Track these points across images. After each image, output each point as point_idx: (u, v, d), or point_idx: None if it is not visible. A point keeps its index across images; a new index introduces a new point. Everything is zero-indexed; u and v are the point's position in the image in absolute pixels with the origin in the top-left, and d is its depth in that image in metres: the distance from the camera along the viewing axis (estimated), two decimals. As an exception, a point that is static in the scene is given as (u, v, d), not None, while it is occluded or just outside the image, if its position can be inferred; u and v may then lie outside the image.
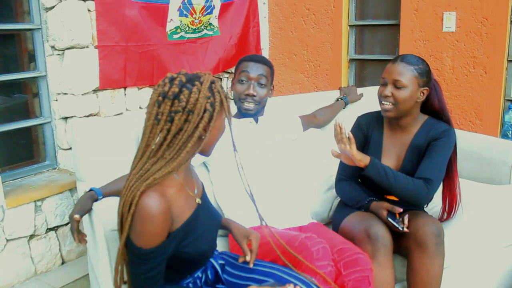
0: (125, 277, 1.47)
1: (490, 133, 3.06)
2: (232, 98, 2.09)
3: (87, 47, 2.51)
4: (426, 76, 1.91)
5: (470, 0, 3.04)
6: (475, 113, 3.16)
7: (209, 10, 3.19)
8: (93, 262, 1.97)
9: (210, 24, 3.24)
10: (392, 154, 2.02)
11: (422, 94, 1.91)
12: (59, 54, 2.51)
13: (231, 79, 2.30)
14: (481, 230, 2.14)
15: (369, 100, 2.65)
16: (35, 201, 2.32)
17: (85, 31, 2.48)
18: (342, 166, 2.13)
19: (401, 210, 1.84)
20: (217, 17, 3.28)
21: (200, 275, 1.55)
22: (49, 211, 2.39)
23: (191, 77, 1.34)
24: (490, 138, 2.77)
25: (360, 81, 3.70)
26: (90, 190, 1.69)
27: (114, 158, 2.16)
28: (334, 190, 2.28)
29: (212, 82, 1.33)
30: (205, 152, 1.39)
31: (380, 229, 1.77)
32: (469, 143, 2.63)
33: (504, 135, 3.12)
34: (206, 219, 1.46)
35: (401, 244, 1.84)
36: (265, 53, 3.88)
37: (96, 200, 1.68)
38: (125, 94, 2.74)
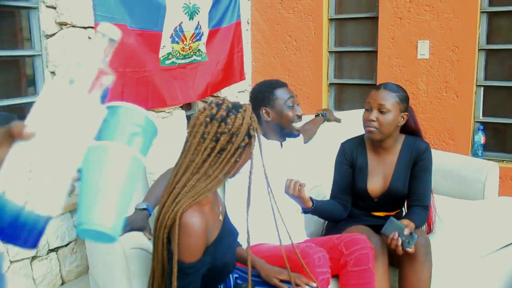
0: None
1: (462, 152, 3.29)
2: None
3: (86, 73, 2.61)
4: (406, 102, 2.12)
5: (442, 30, 3.30)
6: (448, 134, 3.40)
7: (198, 37, 3.34)
8: (104, 281, 2.04)
9: (199, 50, 3.39)
10: (378, 175, 2.20)
11: (402, 119, 2.11)
12: (58, 80, 2.60)
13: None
14: (459, 242, 2.33)
15: (349, 123, 2.84)
16: (37, 222, 2.38)
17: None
18: (332, 185, 2.29)
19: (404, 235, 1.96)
20: (205, 44, 3.43)
21: (221, 288, 1.67)
22: (51, 232, 2.45)
23: (235, 104, 1.48)
24: (464, 157, 3.00)
25: (339, 104, 3.91)
26: (144, 209, 1.81)
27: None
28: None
29: (251, 112, 1.48)
30: (233, 175, 1.53)
31: (378, 239, 1.94)
32: (445, 162, 2.85)
33: (475, 154, 3.37)
34: (228, 235, 1.58)
35: (392, 255, 2.00)
36: (248, 77, 4.04)
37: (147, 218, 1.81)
38: (121, 118, 2.84)
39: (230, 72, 3.72)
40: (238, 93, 3.96)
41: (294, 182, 1.92)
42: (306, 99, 3.92)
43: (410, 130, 2.19)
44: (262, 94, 2.24)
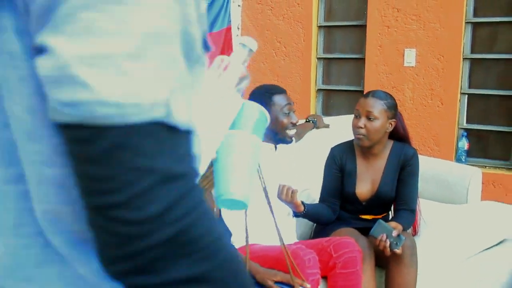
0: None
1: (446, 158, 3.38)
2: None
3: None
4: (394, 109, 2.18)
5: (428, 39, 3.40)
6: (433, 140, 3.49)
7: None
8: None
9: (190, 54, 3.43)
10: (367, 179, 2.26)
11: (390, 125, 2.18)
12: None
13: None
14: (443, 245, 2.41)
15: (337, 128, 2.91)
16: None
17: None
18: (321, 189, 2.35)
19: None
20: (196, 48, 3.47)
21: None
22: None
23: None
24: (448, 163, 3.08)
25: (327, 109, 3.98)
26: None
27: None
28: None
29: None
30: None
31: (365, 241, 2.00)
32: (430, 168, 2.92)
33: (458, 160, 3.46)
34: None
35: (379, 257, 2.06)
36: (238, 81, 4.10)
37: None
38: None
39: (221, 76, 3.76)
40: (227, 97, 4.00)
41: (286, 188, 1.97)
42: (294, 105, 3.98)
43: (398, 136, 2.26)
44: (260, 98, 2.29)
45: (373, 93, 2.17)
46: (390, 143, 2.26)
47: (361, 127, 2.12)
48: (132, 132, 0.42)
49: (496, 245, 2.65)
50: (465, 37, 3.39)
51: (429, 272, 2.24)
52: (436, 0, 3.34)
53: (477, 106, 3.51)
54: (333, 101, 3.97)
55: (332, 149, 2.33)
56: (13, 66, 0.46)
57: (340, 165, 2.27)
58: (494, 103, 3.49)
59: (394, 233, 1.93)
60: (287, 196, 1.96)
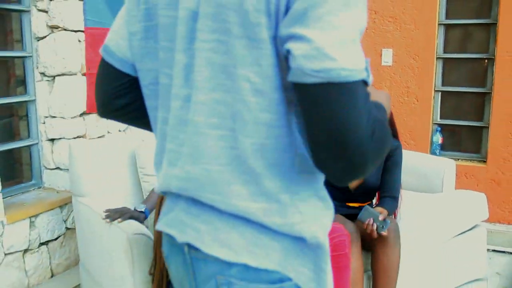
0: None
1: (421, 151, 3.59)
2: None
3: (75, 74, 2.73)
4: None
5: (404, 39, 3.60)
6: (409, 134, 3.70)
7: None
8: (99, 269, 2.17)
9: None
10: None
11: None
12: (48, 80, 2.71)
13: None
14: (422, 230, 2.60)
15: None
16: (30, 217, 2.48)
17: (76, 59, 2.70)
18: None
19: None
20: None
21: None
22: (41, 226, 2.55)
23: None
24: (425, 155, 3.29)
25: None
26: (142, 212, 2.04)
27: (108, 173, 2.41)
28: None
29: None
30: None
31: (352, 226, 2.16)
32: (408, 160, 3.12)
33: (433, 153, 3.68)
34: None
35: (365, 240, 2.24)
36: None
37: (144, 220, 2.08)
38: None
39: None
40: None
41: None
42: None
43: None
44: None
45: None
46: None
47: None
48: (357, 85, 0.69)
49: (470, 230, 2.86)
50: (438, 38, 3.61)
51: (410, 254, 2.43)
52: (411, 3, 3.55)
53: (450, 103, 3.74)
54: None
55: None
56: (256, 47, 0.73)
57: None
58: (465, 100, 3.73)
59: (381, 217, 2.11)
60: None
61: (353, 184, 2.41)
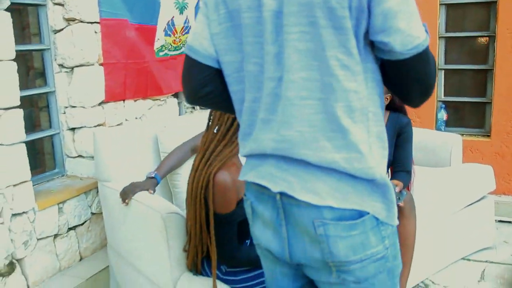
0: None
1: (427, 128, 3.70)
2: None
3: (93, 64, 2.81)
4: None
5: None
6: (414, 112, 3.80)
7: (186, 30, 3.58)
8: (130, 250, 2.28)
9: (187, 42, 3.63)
10: None
11: (386, 99, 2.46)
12: (67, 72, 2.79)
13: None
14: (433, 201, 2.72)
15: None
16: (58, 203, 2.58)
17: (93, 50, 2.78)
18: None
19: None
20: (192, 36, 3.67)
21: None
22: (69, 212, 2.65)
23: None
24: (432, 131, 3.41)
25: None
26: (152, 177, 2.11)
27: (131, 159, 2.51)
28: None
29: None
30: None
31: None
32: (416, 136, 3.22)
33: (438, 129, 3.79)
34: None
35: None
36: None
37: (156, 185, 2.18)
38: (123, 106, 3.06)
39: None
40: (220, 82, 4.21)
41: None
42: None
43: (394, 107, 2.55)
44: None
45: None
46: (387, 113, 2.54)
47: None
48: (428, 50, 1.01)
49: (478, 201, 2.99)
50: (440, 18, 3.70)
51: (422, 226, 2.55)
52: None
53: (453, 80, 3.84)
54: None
55: None
56: (341, 33, 0.99)
57: None
58: (468, 77, 3.83)
59: (397, 189, 2.22)
60: None
61: None
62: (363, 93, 1.02)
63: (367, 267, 1.06)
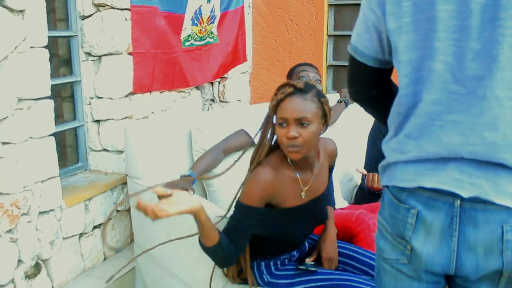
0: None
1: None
2: None
3: (121, 53, 2.65)
4: None
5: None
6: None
7: (212, 20, 3.43)
8: (166, 252, 2.14)
9: (211, 32, 3.48)
10: None
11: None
12: (93, 60, 2.63)
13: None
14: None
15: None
16: (84, 201, 2.44)
17: (123, 39, 2.63)
18: (367, 158, 2.50)
19: None
20: (216, 26, 3.52)
21: (295, 253, 1.85)
22: (95, 209, 2.51)
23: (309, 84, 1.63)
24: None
25: (336, 84, 4.13)
26: (188, 175, 1.98)
27: (164, 156, 2.37)
28: (353, 181, 2.66)
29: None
30: None
31: None
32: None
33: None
34: (307, 216, 1.74)
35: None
36: (249, 59, 4.17)
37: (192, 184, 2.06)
38: (149, 98, 2.91)
39: (237, 54, 3.83)
40: (240, 74, 4.07)
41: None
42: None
43: None
44: (289, 71, 2.48)
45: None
46: None
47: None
48: None
49: None
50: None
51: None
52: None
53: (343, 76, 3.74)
54: (343, 77, 4.11)
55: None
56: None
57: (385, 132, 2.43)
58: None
59: None
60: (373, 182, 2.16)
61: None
62: None
63: None
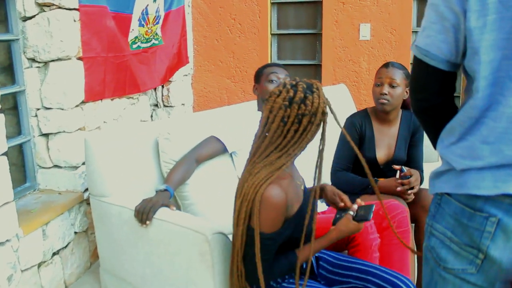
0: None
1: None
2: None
3: (70, 59, 2.39)
4: (409, 78, 2.37)
5: (382, 14, 3.65)
6: (389, 107, 3.80)
7: (157, 20, 3.23)
8: (146, 276, 1.96)
9: (156, 33, 3.28)
10: (384, 145, 2.44)
11: (406, 93, 2.37)
12: (38, 67, 2.35)
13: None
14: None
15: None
16: (41, 226, 2.16)
17: (73, 42, 2.37)
18: (337, 157, 2.46)
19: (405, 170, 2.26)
20: (160, 27, 3.33)
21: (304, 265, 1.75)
22: (53, 234, 2.24)
23: (308, 83, 1.53)
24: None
25: (281, 84, 4.09)
26: (165, 190, 1.92)
27: (130, 169, 2.16)
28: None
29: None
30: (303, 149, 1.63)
31: (396, 202, 2.17)
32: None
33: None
34: (308, 206, 1.66)
35: (410, 212, 2.26)
36: (190, 60, 4.00)
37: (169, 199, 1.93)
38: (101, 107, 2.66)
39: (180, 55, 3.66)
40: (183, 76, 3.90)
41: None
42: (252, 80, 4.01)
43: (405, 105, 2.46)
44: (256, 73, 2.39)
45: (392, 64, 2.34)
46: (400, 111, 2.45)
47: (385, 94, 2.29)
48: None
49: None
50: (414, 12, 3.71)
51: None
52: (388, -23, 3.60)
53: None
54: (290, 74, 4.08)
55: (350, 118, 2.45)
56: None
57: (360, 132, 2.41)
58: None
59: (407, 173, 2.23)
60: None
61: (382, 159, 2.43)
62: None
63: None
